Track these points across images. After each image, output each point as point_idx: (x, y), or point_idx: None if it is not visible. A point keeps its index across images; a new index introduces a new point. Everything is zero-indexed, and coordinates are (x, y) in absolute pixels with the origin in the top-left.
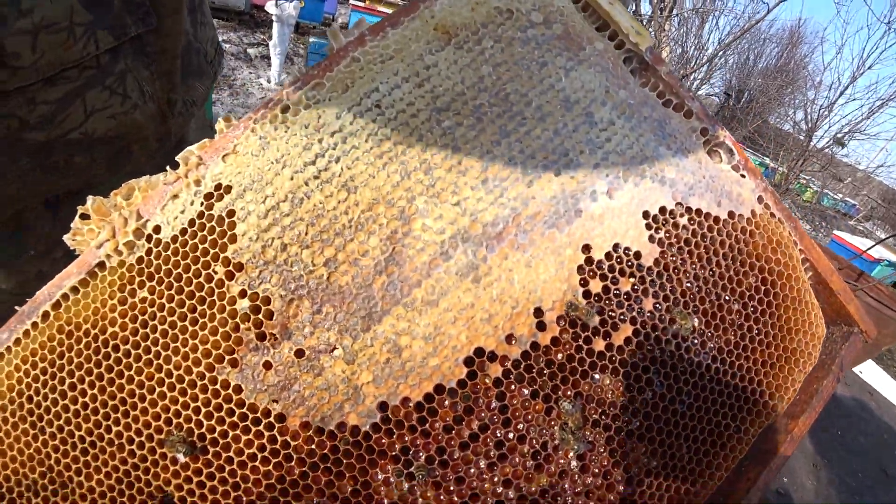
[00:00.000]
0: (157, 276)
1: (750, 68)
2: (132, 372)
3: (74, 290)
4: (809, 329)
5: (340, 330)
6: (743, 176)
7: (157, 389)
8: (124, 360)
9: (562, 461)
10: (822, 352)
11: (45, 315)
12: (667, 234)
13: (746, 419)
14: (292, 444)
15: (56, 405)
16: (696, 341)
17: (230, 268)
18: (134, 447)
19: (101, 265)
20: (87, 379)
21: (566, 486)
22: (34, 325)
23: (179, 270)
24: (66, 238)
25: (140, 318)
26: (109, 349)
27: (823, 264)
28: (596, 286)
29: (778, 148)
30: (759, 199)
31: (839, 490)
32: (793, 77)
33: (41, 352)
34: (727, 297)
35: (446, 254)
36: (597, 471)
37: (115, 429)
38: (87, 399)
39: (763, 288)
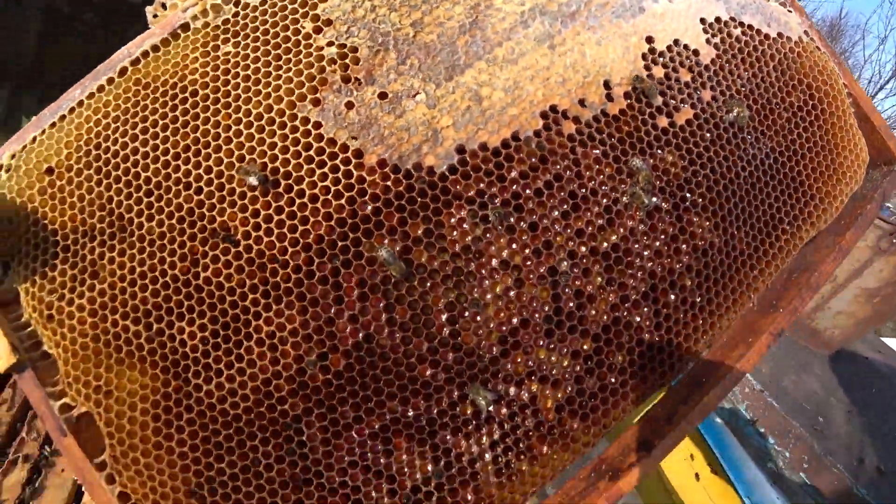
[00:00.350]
0: (242, 32)
1: None
2: (209, 114)
3: (155, 48)
4: (854, 149)
5: (424, 78)
6: (790, 11)
7: (234, 128)
8: (201, 105)
9: (630, 221)
10: (864, 186)
11: (123, 70)
12: (722, 41)
13: (798, 217)
14: (367, 179)
15: (125, 149)
16: (751, 135)
17: (319, 23)
18: (202, 184)
19: (185, 26)
20: (161, 123)
21: (635, 245)
22: (109, 80)
23: (267, 27)
24: (148, 11)
25: (222, 67)
26: (187, 95)
27: (865, 101)
28: (658, 72)
29: None
30: (805, 33)
31: (873, 436)
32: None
33: (115, 102)
34: (777, 104)
35: (525, 23)
36: (663, 235)
37: (183, 168)
38: (157, 142)
39: (811, 103)
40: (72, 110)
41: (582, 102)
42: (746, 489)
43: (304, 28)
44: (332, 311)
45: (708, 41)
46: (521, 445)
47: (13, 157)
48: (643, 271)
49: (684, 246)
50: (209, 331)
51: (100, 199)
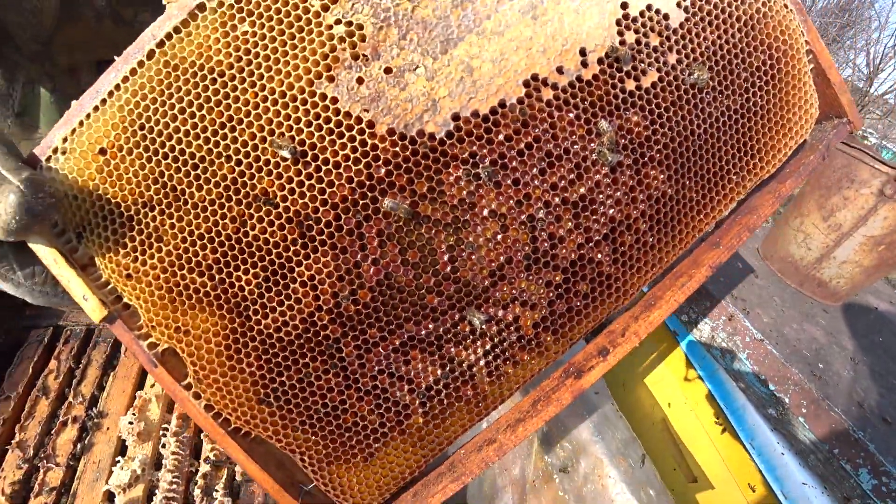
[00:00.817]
0: (256, 11)
1: (808, 8)
2: (237, 93)
3: (176, 30)
4: (804, 106)
5: (422, 52)
6: None
7: (261, 105)
8: (229, 84)
9: (596, 175)
10: (813, 136)
11: (151, 53)
12: (692, 3)
13: (744, 169)
14: (379, 146)
15: (167, 128)
16: (710, 94)
17: (325, 1)
18: (241, 157)
19: (201, 6)
20: (196, 103)
21: (599, 196)
22: (140, 63)
23: (278, 5)
24: None
25: (242, 48)
26: (215, 76)
27: (825, 57)
28: (630, 37)
29: None
30: None
31: (877, 384)
32: (856, 17)
33: (149, 85)
34: (738, 65)
35: None
36: (623, 186)
37: (223, 143)
38: (196, 120)
39: (769, 63)
40: (111, 94)
41: (560, 70)
42: (748, 434)
43: (312, 6)
44: (358, 256)
45: (679, 4)
46: (506, 354)
47: (65, 140)
48: (605, 217)
49: (641, 195)
50: (261, 277)
51: (152, 174)
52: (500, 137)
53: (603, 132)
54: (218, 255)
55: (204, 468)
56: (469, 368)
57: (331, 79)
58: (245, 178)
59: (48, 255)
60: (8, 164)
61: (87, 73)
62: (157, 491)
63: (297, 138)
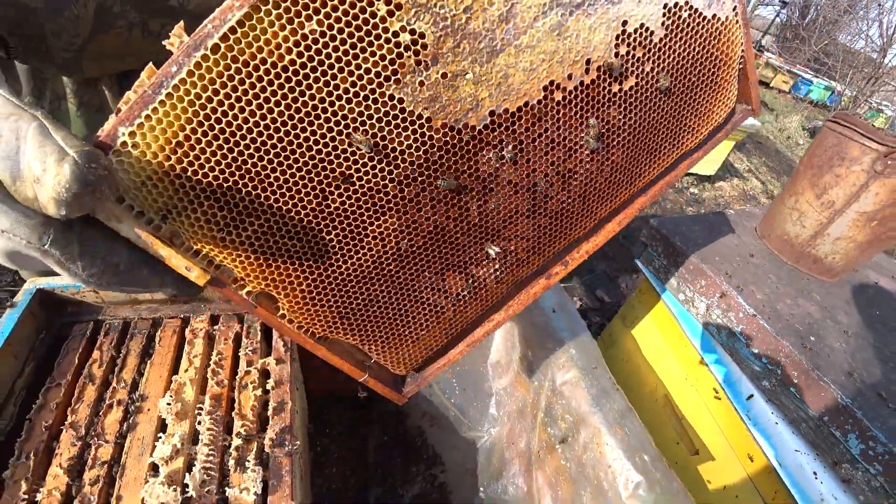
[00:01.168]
0: (323, 11)
1: None
2: (313, 91)
3: (240, 23)
4: (726, 101)
5: (472, 60)
6: None
7: (337, 103)
8: (304, 83)
9: (581, 155)
10: (726, 119)
11: (216, 47)
12: (672, 23)
13: (675, 146)
14: (434, 137)
15: (246, 123)
16: (666, 95)
17: (391, 6)
18: (321, 146)
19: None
20: (272, 100)
21: (580, 168)
22: (204, 56)
23: (346, 6)
24: None
25: (313, 47)
26: (290, 74)
27: (751, 62)
28: (623, 50)
29: (847, 68)
30: (734, 9)
31: (869, 354)
32: None
33: (219, 80)
34: (691, 72)
35: (545, 13)
36: (596, 163)
37: (302, 135)
38: (274, 115)
39: (713, 70)
40: (176, 87)
41: (569, 76)
42: (744, 406)
43: (379, 11)
44: (416, 216)
45: (663, 24)
46: (509, 270)
47: (132, 134)
48: (581, 182)
49: (606, 168)
50: (341, 236)
51: (235, 162)
52: (521, 129)
53: (591, 126)
54: (304, 222)
55: (236, 442)
56: (484, 280)
57: (397, 81)
58: (325, 164)
59: (142, 239)
60: (67, 140)
61: (108, 85)
62: (195, 462)
63: (369, 132)
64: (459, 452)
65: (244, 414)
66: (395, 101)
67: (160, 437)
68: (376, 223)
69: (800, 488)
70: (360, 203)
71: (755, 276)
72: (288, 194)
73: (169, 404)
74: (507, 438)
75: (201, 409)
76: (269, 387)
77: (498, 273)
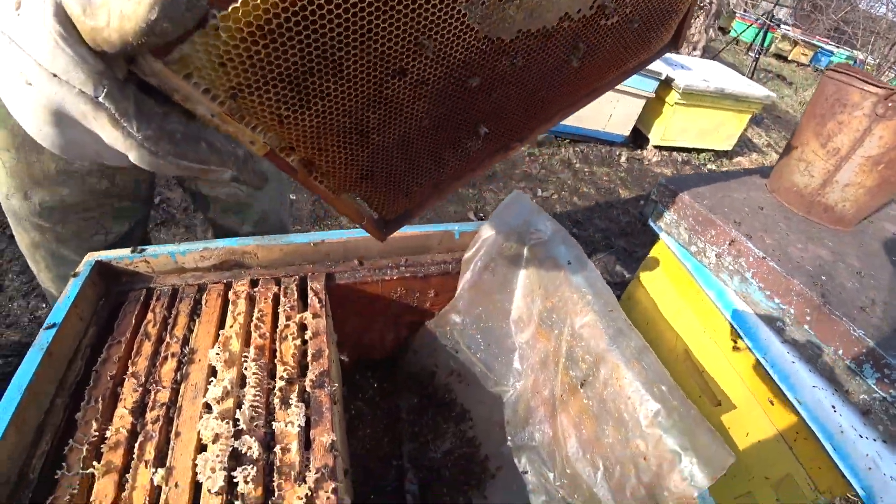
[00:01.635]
0: None
1: None
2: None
3: None
4: (667, 35)
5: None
6: None
7: (419, 10)
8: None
9: (570, 65)
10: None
11: None
12: None
13: (624, 68)
14: (476, 45)
15: (323, 27)
16: (633, 33)
17: None
18: (390, 44)
19: None
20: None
21: (563, 73)
22: None
23: None
24: None
25: None
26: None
27: (693, 9)
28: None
29: (869, 35)
30: None
31: (882, 292)
32: None
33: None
34: (647, 18)
35: None
36: (583, 70)
37: (384, 34)
38: (364, 14)
39: (662, 18)
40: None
41: (578, 10)
42: (762, 350)
43: None
44: (442, 102)
45: None
46: (489, 144)
47: (224, 17)
48: (560, 84)
49: (581, 75)
50: (382, 115)
51: (317, 51)
52: (536, 44)
53: (580, 49)
54: (357, 104)
55: (280, 384)
56: (469, 151)
57: (466, 0)
58: (387, 58)
59: (210, 111)
60: None
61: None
62: (243, 402)
63: (435, 39)
64: (486, 407)
65: (286, 361)
66: (460, 17)
67: (211, 381)
68: (413, 106)
69: (820, 423)
70: (406, 91)
71: (765, 224)
72: (354, 81)
73: (218, 354)
74: (531, 389)
75: (247, 357)
76: (307, 337)
77: (481, 145)
